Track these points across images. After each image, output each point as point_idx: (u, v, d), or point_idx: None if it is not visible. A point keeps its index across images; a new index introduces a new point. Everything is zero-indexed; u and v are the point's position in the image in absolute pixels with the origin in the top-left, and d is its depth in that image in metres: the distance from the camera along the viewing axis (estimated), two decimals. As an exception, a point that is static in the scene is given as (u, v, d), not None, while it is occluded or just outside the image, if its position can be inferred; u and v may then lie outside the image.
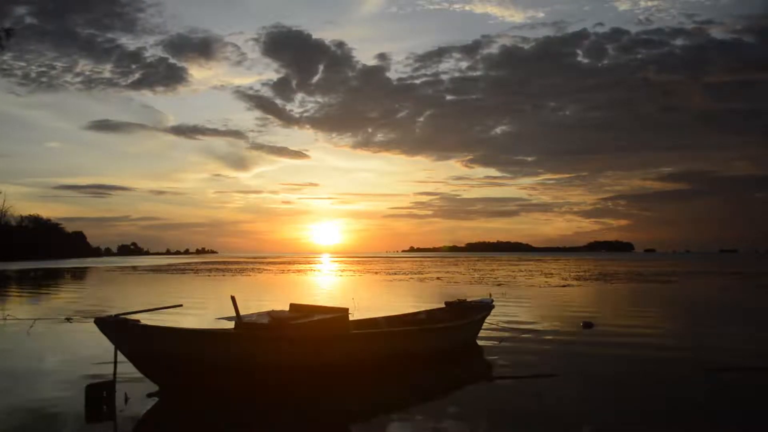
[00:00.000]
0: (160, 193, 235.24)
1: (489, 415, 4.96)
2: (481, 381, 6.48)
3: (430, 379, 6.63)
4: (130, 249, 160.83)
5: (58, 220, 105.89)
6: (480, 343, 8.59)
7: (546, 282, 24.89)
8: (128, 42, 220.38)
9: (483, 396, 5.72)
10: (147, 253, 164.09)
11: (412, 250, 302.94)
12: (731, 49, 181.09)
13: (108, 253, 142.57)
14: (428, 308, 9.76)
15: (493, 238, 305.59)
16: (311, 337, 6.19)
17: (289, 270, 43.12)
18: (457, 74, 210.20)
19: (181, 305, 7.14)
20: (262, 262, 69.86)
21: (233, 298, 5.95)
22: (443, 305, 9.51)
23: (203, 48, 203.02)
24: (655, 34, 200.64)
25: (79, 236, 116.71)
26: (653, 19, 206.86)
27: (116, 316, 5.51)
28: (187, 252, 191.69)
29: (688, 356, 7.55)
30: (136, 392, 5.54)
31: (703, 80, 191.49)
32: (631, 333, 9.56)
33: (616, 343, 8.63)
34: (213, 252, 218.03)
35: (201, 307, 13.88)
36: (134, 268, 46.83)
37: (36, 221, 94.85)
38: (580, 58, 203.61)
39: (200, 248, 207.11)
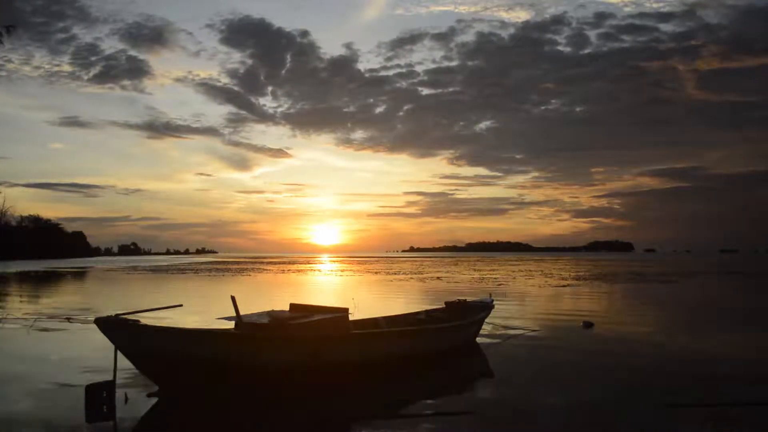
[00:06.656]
0: (137, 191, 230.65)
1: (488, 415, 4.96)
2: (480, 381, 6.48)
3: (430, 379, 6.63)
4: (130, 249, 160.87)
5: (58, 220, 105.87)
6: (480, 343, 8.59)
7: (546, 282, 24.89)
8: (83, 32, 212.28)
9: (482, 396, 5.72)
10: (147, 253, 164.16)
11: (411, 250, 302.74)
12: (724, 32, 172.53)
13: (108, 253, 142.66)
14: (428, 308, 9.77)
15: (493, 238, 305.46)
16: (311, 337, 6.19)
17: (289, 270, 43.11)
18: (431, 65, 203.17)
19: (181, 305, 7.13)
20: (262, 262, 69.83)
21: (233, 298, 5.95)
22: (443, 305, 9.51)
23: (159, 37, 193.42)
24: (640, 18, 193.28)
25: (79, 236, 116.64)
26: (639, 1, 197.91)
27: (116, 316, 5.51)
28: (187, 252, 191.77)
29: (680, 368, 7.29)
30: (136, 392, 5.54)
31: (694, 68, 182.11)
32: (629, 338, 9.51)
33: (613, 345, 8.64)
34: (213, 252, 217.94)
35: (201, 307, 13.86)
36: (134, 268, 46.81)
37: (36, 221, 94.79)
38: (561, 47, 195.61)
39: (200, 248, 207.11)
